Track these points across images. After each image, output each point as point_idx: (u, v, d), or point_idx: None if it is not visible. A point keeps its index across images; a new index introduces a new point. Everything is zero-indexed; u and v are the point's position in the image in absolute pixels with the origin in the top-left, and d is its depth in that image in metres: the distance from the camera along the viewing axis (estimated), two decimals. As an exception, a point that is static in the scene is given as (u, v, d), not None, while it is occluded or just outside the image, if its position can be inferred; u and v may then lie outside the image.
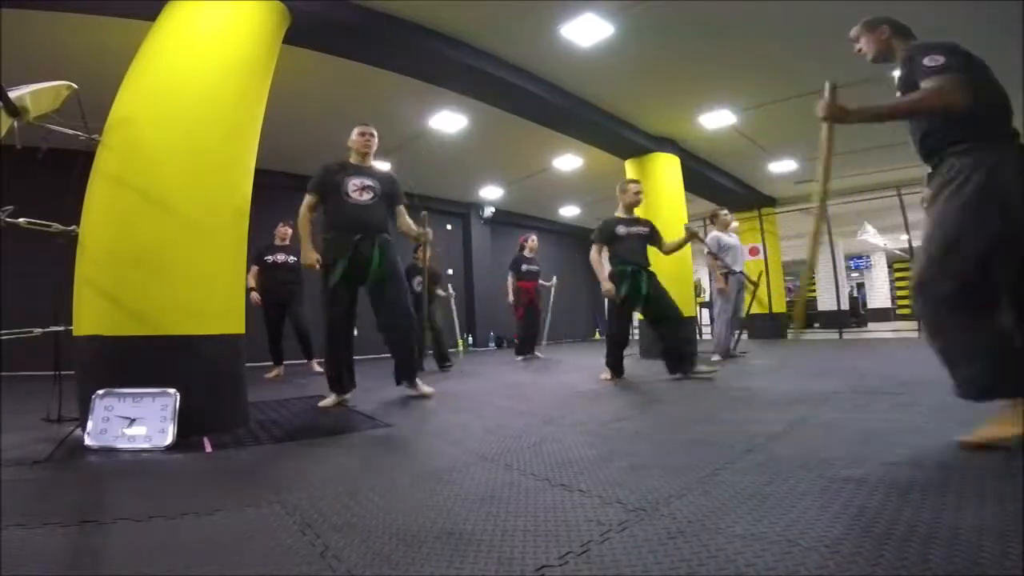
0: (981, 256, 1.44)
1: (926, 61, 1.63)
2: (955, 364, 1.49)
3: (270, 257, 4.71)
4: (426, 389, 3.03)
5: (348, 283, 2.77)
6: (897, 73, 1.88)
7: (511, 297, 5.98)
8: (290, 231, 4.84)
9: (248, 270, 4.33)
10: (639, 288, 3.53)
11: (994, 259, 1.44)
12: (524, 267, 5.99)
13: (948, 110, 1.56)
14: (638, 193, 3.82)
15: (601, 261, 3.71)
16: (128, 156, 2.20)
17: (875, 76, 4.66)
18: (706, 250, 4.85)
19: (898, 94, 1.78)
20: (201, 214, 2.24)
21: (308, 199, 2.84)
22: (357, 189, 2.81)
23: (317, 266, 2.74)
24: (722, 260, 4.81)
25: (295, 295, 4.75)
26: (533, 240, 6.18)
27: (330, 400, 2.80)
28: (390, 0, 3.41)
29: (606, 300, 3.83)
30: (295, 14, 2.94)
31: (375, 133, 2.98)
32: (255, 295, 4.54)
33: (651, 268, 3.69)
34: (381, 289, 2.83)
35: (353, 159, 2.94)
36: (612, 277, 3.58)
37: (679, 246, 3.80)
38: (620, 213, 3.86)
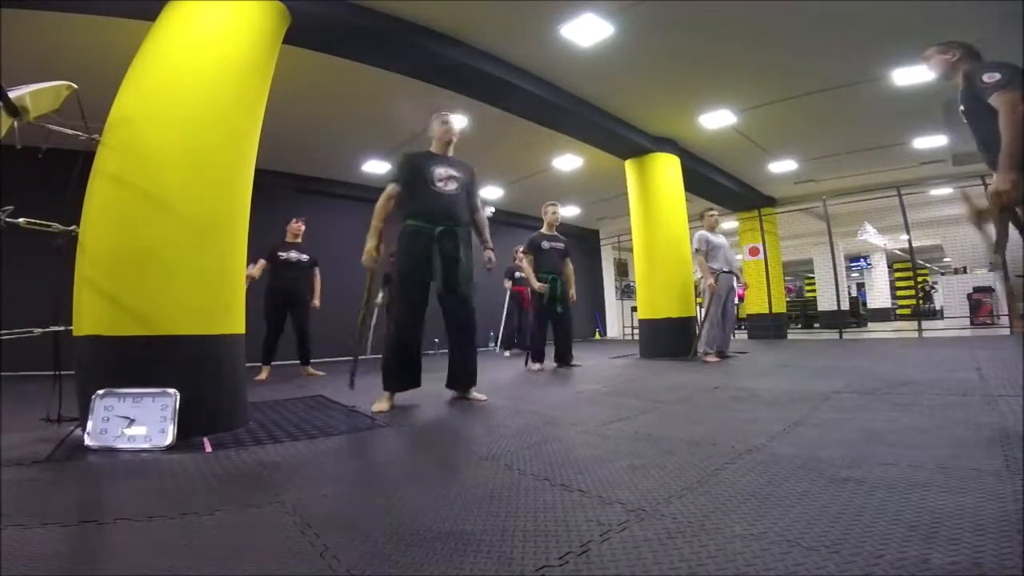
0: None
1: (985, 79, 1.81)
2: None
3: (283, 254, 4.59)
4: (481, 396, 2.91)
5: (424, 277, 2.69)
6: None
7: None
8: (303, 227, 4.79)
9: (255, 262, 4.26)
10: (556, 291, 4.65)
11: None
12: (517, 274, 6.69)
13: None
14: (555, 214, 4.90)
15: (529, 268, 4.75)
16: (128, 156, 2.20)
17: (874, 76, 4.69)
18: (693, 249, 4.90)
19: (961, 108, 2.00)
20: (201, 214, 2.24)
21: (391, 189, 2.75)
22: (443, 179, 2.76)
23: (370, 264, 2.69)
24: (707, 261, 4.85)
25: (302, 295, 4.65)
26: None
27: (384, 403, 2.63)
28: (390, 0, 3.41)
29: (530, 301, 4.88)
30: (295, 14, 2.94)
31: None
32: (250, 272, 4.30)
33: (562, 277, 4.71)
34: (455, 285, 2.73)
35: (435, 149, 2.89)
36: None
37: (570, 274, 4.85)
38: (544, 230, 4.89)
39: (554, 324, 4.75)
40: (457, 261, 2.71)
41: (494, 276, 8.44)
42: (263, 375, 4.51)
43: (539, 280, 4.64)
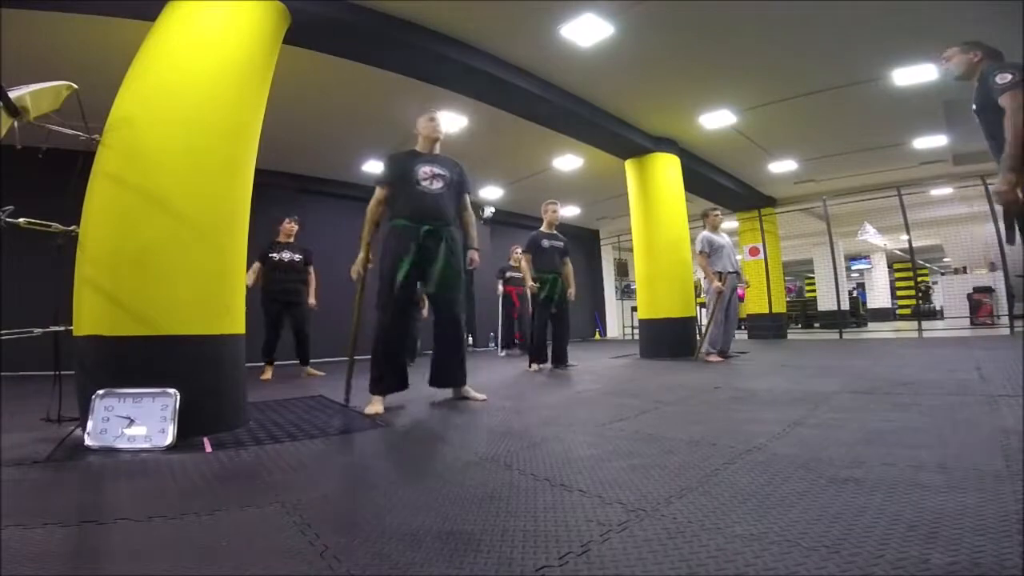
0: None
1: (998, 79, 1.87)
2: None
3: (275, 255, 4.57)
4: (481, 396, 2.91)
5: (408, 277, 2.66)
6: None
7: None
8: (296, 227, 4.76)
9: (249, 267, 4.28)
10: (554, 291, 4.63)
11: None
12: (508, 274, 6.88)
13: None
14: (555, 212, 4.86)
15: (527, 267, 4.73)
16: (128, 156, 2.20)
17: (874, 76, 4.69)
18: (696, 250, 4.89)
19: (973, 106, 2.07)
20: (201, 214, 2.24)
21: (379, 193, 2.76)
22: (428, 177, 2.74)
23: (355, 278, 2.76)
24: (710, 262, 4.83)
25: (298, 296, 4.62)
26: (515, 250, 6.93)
27: (376, 406, 2.56)
28: (390, 0, 3.41)
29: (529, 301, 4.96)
30: (295, 14, 2.94)
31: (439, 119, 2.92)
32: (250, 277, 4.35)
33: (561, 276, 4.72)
34: (442, 285, 2.72)
35: (421, 147, 2.87)
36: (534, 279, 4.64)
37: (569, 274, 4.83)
38: (544, 229, 4.85)
39: (552, 325, 4.73)
40: (443, 260, 2.69)
41: (489, 276, 8.50)
42: (267, 374, 4.50)
43: (539, 279, 4.61)
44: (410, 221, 2.69)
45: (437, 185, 2.76)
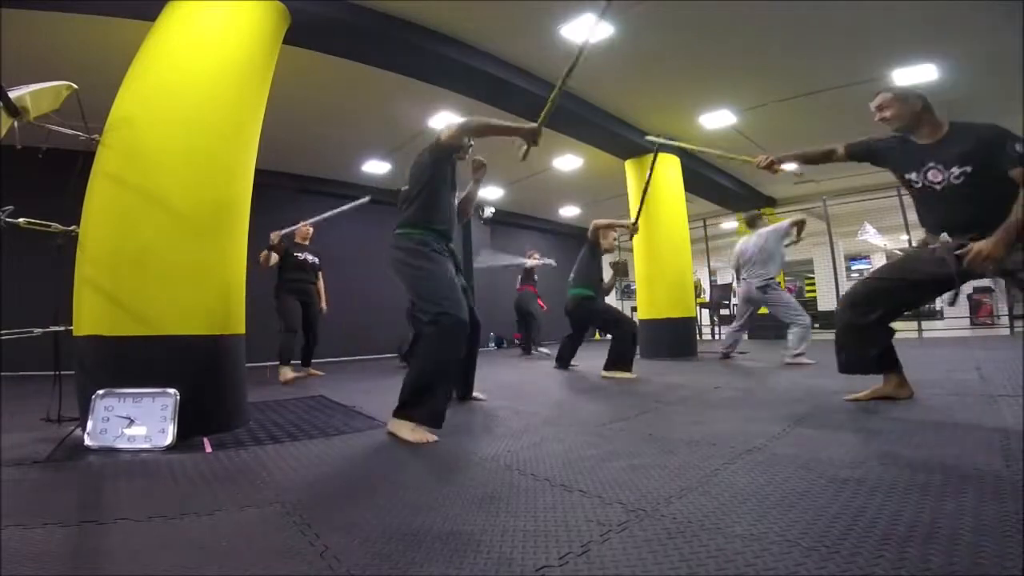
0: None
1: (1019, 147, 1.77)
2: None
3: (299, 254, 4.55)
4: (481, 396, 2.87)
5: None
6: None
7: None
8: (311, 231, 4.73)
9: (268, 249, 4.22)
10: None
11: None
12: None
13: None
14: (615, 240, 4.66)
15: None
16: (128, 156, 2.20)
17: (874, 76, 4.69)
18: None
19: (968, 168, 1.90)
20: (201, 214, 2.24)
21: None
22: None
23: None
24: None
25: (314, 296, 4.62)
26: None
27: (419, 433, 1.96)
28: (390, 0, 3.41)
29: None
30: (295, 14, 2.94)
31: None
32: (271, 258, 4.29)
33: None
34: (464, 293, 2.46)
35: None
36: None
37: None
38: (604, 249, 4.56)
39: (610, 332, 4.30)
40: (460, 266, 2.47)
41: (489, 276, 8.52)
42: (288, 375, 4.18)
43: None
44: (442, 229, 2.30)
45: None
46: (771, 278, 4.50)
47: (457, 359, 2.16)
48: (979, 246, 1.80)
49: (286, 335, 4.36)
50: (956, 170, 1.91)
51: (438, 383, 2.02)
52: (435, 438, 1.94)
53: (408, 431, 1.96)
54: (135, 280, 2.09)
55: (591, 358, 5.79)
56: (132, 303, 2.06)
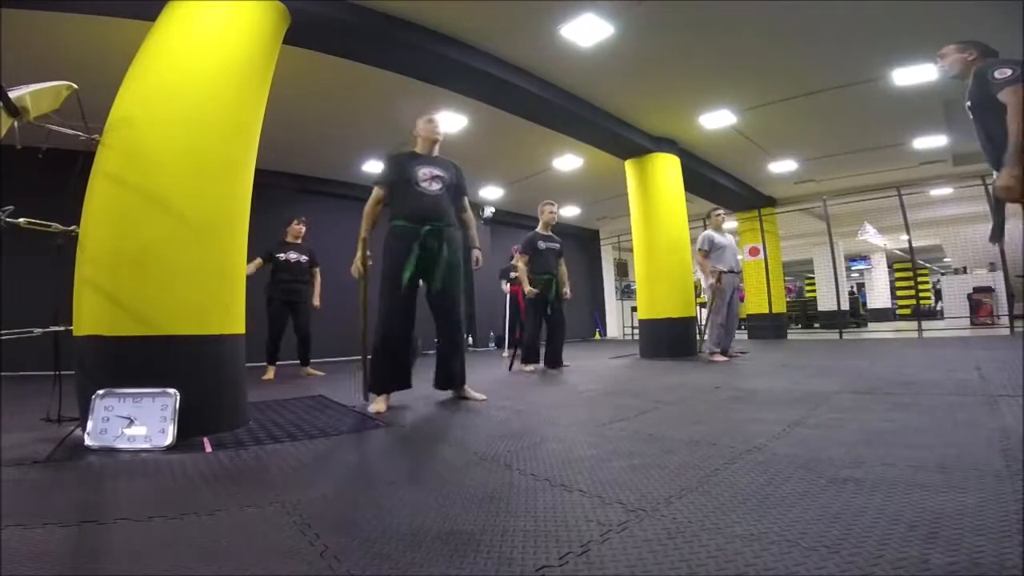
0: None
1: (996, 74, 1.83)
2: None
3: (281, 255, 4.59)
4: (481, 396, 2.92)
5: (413, 278, 2.66)
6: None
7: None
8: (303, 229, 4.78)
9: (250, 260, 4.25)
10: (550, 292, 4.59)
11: None
12: (513, 274, 6.83)
13: None
14: (552, 214, 4.80)
15: (524, 269, 4.64)
16: (128, 156, 2.20)
17: (874, 76, 4.69)
18: (697, 247, 4.91)
19: (968, 103, 2.00)
20: (201, 214, 2.24)
21: (376, 193, 2.79)
22: (427, 179, 2.75)
23: (357, 276, 2.78)
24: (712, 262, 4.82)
25: (303, 296, 4.64)
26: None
27: (380, 404, 2.60)
28: (390, 0, 3.41)
29: (525, 301, 4.84)
30: (295, 14, 2.94)
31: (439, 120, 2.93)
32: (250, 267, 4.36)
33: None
34: (443, 285, 2.73)
35: (420, 148, 2.89)
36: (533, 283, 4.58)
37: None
38: (540, 230, 4.78)
39: (548, 326, 4.69)
40: (443, 260, 2.71)
41: (488, 277, 8.54)
42: (269, 375, 4.49)
43: (535, 281, 4.58)
44: (409, 222, 2.70)
45: (436, 187, 2.78)
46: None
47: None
48: (1000, 183, 1.81)
49: (268, 337, 4.57)
50: (968, 103, 2.01)
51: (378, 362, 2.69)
52: (384, 407, 2.58)
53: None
54: (135, 280, 2.09)
55: (591, 358, 5.80)
56: (132, 303, 2.06)
